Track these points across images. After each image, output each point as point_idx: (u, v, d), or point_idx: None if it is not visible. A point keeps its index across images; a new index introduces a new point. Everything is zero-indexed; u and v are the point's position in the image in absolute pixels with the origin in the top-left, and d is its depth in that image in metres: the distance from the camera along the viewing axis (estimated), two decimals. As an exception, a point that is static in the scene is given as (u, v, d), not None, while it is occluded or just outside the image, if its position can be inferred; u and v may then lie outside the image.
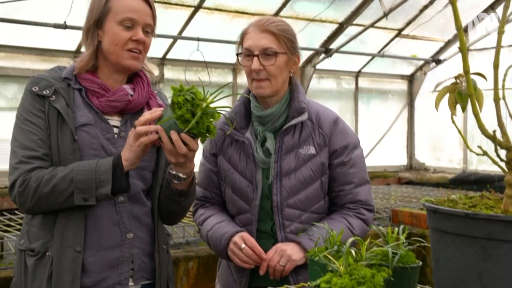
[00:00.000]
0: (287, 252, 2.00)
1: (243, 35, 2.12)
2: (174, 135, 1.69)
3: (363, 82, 8.61)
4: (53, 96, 1.83)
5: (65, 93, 1.85)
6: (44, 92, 1.83)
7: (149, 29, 1.93)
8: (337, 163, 2.13)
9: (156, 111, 1.73)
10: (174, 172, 1.86)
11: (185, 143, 1.71)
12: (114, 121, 1.93)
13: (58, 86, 1.85)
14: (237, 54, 2.14)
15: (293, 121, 2.08)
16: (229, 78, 7.38)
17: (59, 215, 1.81)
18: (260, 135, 2.13)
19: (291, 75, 2.17)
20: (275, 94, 2.10)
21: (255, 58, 2.04)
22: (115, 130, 1.92)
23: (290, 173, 2.09)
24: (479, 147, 1.34)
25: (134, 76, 2.00)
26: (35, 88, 1.84)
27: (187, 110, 1.66)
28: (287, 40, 2.08)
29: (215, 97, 1.70)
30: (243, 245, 2.02)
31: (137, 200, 1.93)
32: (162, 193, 1.97)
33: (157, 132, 1.71)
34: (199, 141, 1.77)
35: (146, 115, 1.73)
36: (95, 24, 1.88)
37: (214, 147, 2.21)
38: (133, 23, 1.87)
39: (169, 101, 1.73)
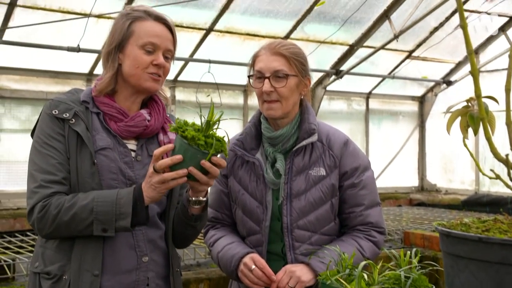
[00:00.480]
0: (296, 273, 1.99)
1: (255, 58, 2.15)
2: (206, 164, 1.70)
3: (373, 103, 8.61)
4: (73, 119, 1.83)
5: (84, 117, 1.86)
6: (64, 115, 1.83)
7: (169, 55, 1.95)
8: (347, 185, 2.13)
9: (176, 157, 1.69)
10: (195, 198, 1.87)
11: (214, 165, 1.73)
12: (131, 145, 1.94)
13: (78, 109, 1.86)
14: (249, 76, 2.16)
15: (303, 142, 2.09)
16: (240, 100, 7.42)
17: (77, 239, 1.80)
18: (270, 156, 2.14)
19: (302, 97, 2.19)
20: (285, 115, 2.12)
21: (266, 80, 2.07)
22: (132, 154, 1.93)
23: (300, 195, 2.10)
24: (492, 170, 1.34)
25: (149, 101, 2.01)
26: (55, 111, 1.84)
27: (205, 137, 1.70)
28: (298, 63, 2.11)
29: (212, 114, 1.74)
30: (253, 266, 2.02)
31: (152, 223, 1.93)
32: (177, 218, 1.97)
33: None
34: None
35: (167, 161, 1.70)
36: (117, 47, 1.89)
37: (225, 169, 2.22)
38: (154, 47, 1.89)
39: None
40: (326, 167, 2.11)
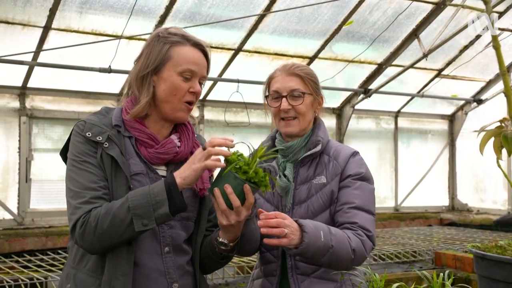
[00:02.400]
0: (291, 234, 1.89)
1: (270, 79, 2.27)
2: (228, 188, 1.73)
3: (402, 122, 8.55)
4: (106, 143, 1.83)
5: (117, 141, 1.85)
6: (97, 139, 1.83)
7: (202, 81, 1.97)
8: (342, 185, 2.16)
9: (229, 138, 1.74)
10: (221, 239, 1.90)
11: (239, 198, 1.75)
12: (161, 171, 1.94)
13: (110, 133, 1.85)
14: (266, 97, 2.28)
15: (308, 152, 2.18)
16: (268, 119, 7.41)
17: (107, 264, 1.78)
18: (281, 165, 2.24)
19: (316, 115, 2.30)
20: (301, 132, 2.23)
21: (284, 99, 2.19)
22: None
23: (302, 203, 2.17)
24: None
25: (179, 125, 2.01)
26: (89, 134, 1.84)
27: (244, 163, 1.74)
28: (312, 82, 2.24)
29: (263, 150, 1.79)
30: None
31: (181, 250, 1.94)
32: (205, 251, 1.98)
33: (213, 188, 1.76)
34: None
35: (221, 140, 1.74)
36: (152, 71, 1.88)
37: None
38: (192, 75, 1.90)
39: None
40: (327, 175, 2.17)
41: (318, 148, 2.18)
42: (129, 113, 1.91)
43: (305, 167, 2.20)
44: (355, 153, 2.22)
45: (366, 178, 2.18)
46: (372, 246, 2.10)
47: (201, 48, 1.95)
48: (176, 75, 1.88)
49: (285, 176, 2.20)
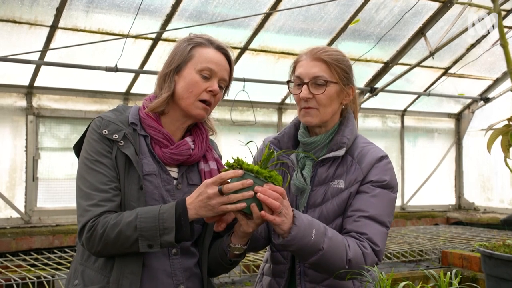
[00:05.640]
0: (283, 218, 1.75)
1: (295, 63, 2.09)
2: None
3: (409, 121, 8.54)
4: (122, 142, 1.84)
5: (133, 139, 1.86)
6: (113, 137, 1.84)
7: (223, 85, 1.97)
8: (361, 190, 1.98)
9: (246, 181, 1.69)
10: (237, 245, 1.88)
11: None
12: (173, 172, 1.94)
13: (126, 131, 1.86)
14: (288, 82, 2.10)
15: (330, 154, 2.01)
16: (274, 118, 7.44)
17: (116, 263, 1.79)
18: (301, 161, 2.07)
19: (344, 107, 2.11)
20: (323, 124, 2.05)
21: (305, 86, 2.00)
22: (174, 181, 1.93)
23: (316, 206, 2.02)
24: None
25: (194, 128, 2.02)
26: (105, 131, 1.84)
27: (263, 168, 1.73)
28: (340, 69, 2.03)
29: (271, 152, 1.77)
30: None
31: (188, 252, 1.94)
32: (214, 259, 1.97)
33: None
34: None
35: (238, 184, 1.69)
36: (175, 69, 1.93)
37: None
38: (211, 74, 1.92)
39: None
40: (346, 180, 1.99)
41: (341, 152, 1.99)
42: (147, 107, 1.93)
43: (325, 167, 2.02)
44: (382, 158, 2.01)
45: (388, 186, 1.98)
46: (376, 261, 1.91)
47: (224, 52, 1.98)
48: (195, 73, 1.91)
49: (302, 175, 2.03)
